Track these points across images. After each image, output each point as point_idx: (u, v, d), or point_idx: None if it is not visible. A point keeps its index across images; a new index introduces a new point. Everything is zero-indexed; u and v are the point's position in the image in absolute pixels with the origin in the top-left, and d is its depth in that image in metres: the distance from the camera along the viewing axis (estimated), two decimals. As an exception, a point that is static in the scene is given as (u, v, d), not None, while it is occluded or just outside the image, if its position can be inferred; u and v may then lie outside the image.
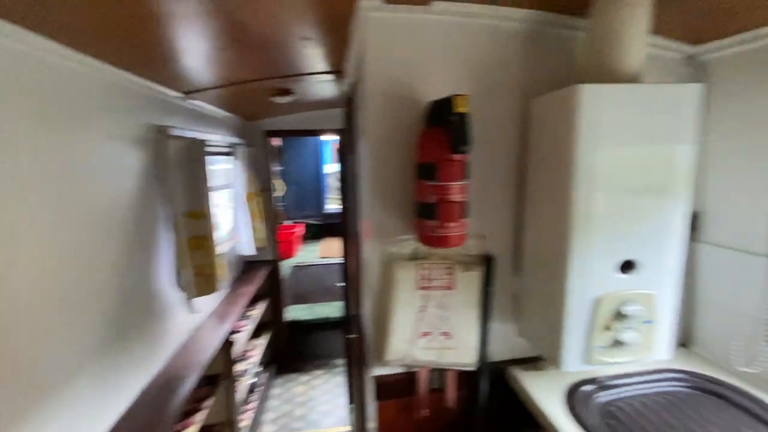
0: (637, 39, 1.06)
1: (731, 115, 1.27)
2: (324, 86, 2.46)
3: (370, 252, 1.30)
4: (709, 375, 1.31)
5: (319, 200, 6.38)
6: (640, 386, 1.28)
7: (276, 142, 4.92)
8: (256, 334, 3.33)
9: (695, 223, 1.41)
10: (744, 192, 1.26)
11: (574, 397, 1.22)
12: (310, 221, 6.04)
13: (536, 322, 1.28)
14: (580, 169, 1.02)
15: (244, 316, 3.09)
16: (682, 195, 1.08)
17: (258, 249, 3.15)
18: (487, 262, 1.32)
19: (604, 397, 1.25)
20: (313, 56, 1.74)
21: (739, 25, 1.16)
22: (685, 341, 1.52)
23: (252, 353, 3.18)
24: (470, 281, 1.31)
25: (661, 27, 1.26)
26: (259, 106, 2.94)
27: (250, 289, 3.04)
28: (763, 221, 1.20)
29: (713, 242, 1.37)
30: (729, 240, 1.32)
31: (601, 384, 1.28)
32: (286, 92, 2.38)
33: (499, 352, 1.41)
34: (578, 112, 1.00)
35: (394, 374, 1.37)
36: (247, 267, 3.43)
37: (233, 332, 2.68)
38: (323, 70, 2.05)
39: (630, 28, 1.05)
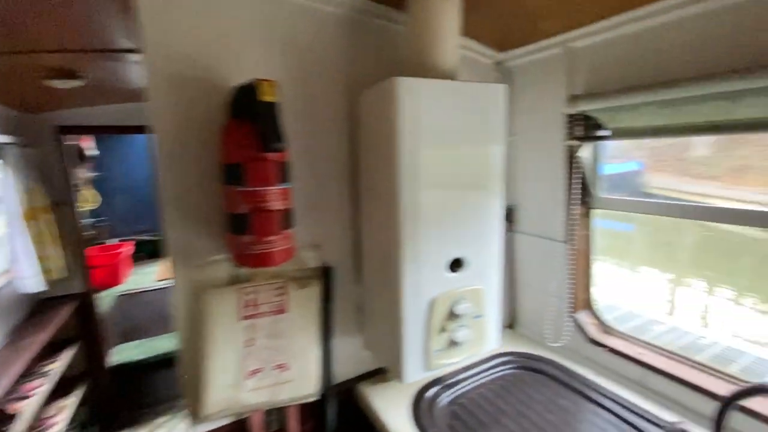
0: (449, 36, 1.05)
1: (529, 117, 1.42)
2: (135, 69, 1.97)
3: (175, 279, 1.02)
4: (530, 353, 1.44)
5: (157, 212, 5.37)
6: (478, 377, 1.33)
7: (86, 141, 3.91)
8: (62, 392, 2.54)
9: (511, 215, 1.55)
10: (543, 186, 1.42)
11: (420, 406, 1.18)
12: (146, 237, 5.02)
13: (378, 332, 1.20)
14: (404, 165, 0.96)
15: (36, 374, 2.32)
16: (497, 191, 1.13)
17: (52, 282, 2.39)
18: (325, 275, 1.18)
19: (447, 396, 1.25)
20: (96, 25, 1.32)
21: (532, 35, 1.29)
22: (511, 323, 1.67)
23: (56, 420, 2.41)
24: (307, 299, 1.15)
25: (473, 31, 1.32)
26: (41, 92, 2.21)
27: (41, 337, 2.27)
28: (560, 212, 1.37)
29: (526, 232, 1.53)
30: (537, 229, 1.48)
31: (445, 383, 1.28)
32: (70, 74, 1.81)
33: (346, 370, 1.29)
34: (397, 105, 0.93)
35: (220, 428, 1.11)
36: (39, 308, 2.58)
37: (14, 400, 1.96)
38: (121, 48, 1.60)
39: (441, 24, 1.03)
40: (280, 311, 1.11)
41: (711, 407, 0.93)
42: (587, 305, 1.43)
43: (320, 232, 1.20)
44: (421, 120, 0.97)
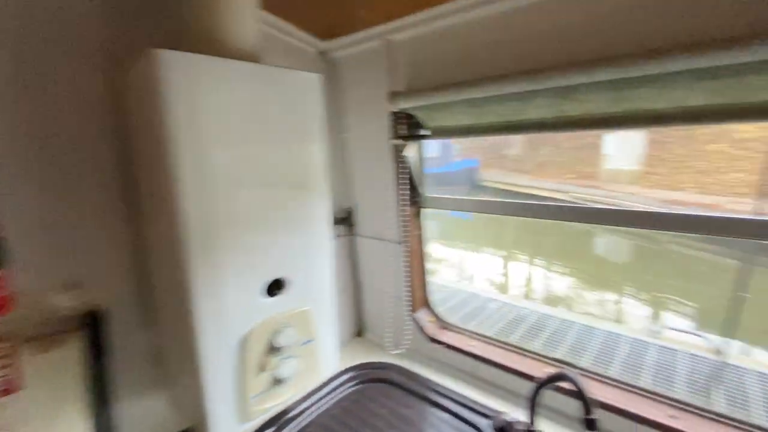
0: (243, 8, 0.85)
1: (358, 113, 1.33)
2: None
3: None
4: (375, 361, 1.37)
5: None
6: (319, 404, 1.19)
7: None
8: None
9: (350, 218, 1.46)
10: (376, 187, 1.35)
11: (243, 464, 0.97)
12: None
13: (179, 385, 0.94)
14: (182, 164, 0.73)
15: None
16: (322, 194, 0.99)
17: None
18: (91, 323, 0.85)
19: (282, 438, 1.07)
20: None
21: (351, 25, 1.19)
22: (360, 330, 1.59)
23: None
24: (58, 363, 0.80)
25: (292, 14, 1.15)
26: None
27: None
28: (393, 213, 1.32)
29: (365, 234, 1.45)
30: (374, 231, 1.42)
31: (281, 420, 1.10)
32: None
33: (145, 438, 0.99)
34: (163, 86, 0.69)
35: None
36: None
37: None
38: None
39: (230, -9, 0.82)
40: (6, 391, 0.74)
41: (528, 388, 0.97)
42: (425, 303, 1.43)
43: (80, 264, 0.86)
44: (205, 107, 0.75)
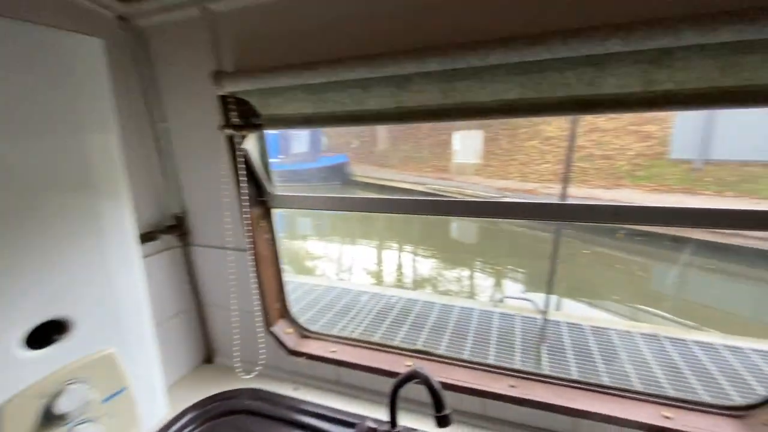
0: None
1: (179, 98, 1.09)
2: None
3: None
4: (226, 390, 1.18)
5: None
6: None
7: None
8: None
9: (183, 225, 1.21)
10: (211, 187, 1.14)
11: None
12: None
13: None
14: None
15: None
16: (117, 198, 0.76)
17: None
18: None
19: None
20: None
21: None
22: (209, 356, 1.36)
23: None
24: None
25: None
26: None
27: None
28: (235, 216, 1.14)
29: (203, 243, 1.22)
30: (213, 239, 1.20)
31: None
32: None
33: None
34: None
35: None
36: None
37: None
38: None
39: None
40: None
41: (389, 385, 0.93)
42: (283, 314, 1.29)
43: None
44: None
